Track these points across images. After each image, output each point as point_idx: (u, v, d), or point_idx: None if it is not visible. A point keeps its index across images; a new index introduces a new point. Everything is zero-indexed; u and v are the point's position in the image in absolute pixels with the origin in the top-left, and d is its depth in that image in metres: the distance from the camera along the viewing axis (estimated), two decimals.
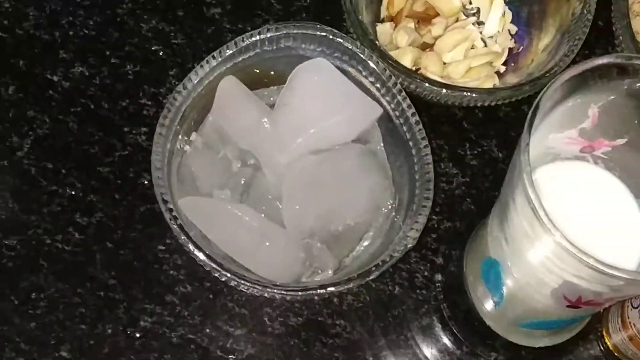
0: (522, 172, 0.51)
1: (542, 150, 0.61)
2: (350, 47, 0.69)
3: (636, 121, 0.59)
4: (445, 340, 0.74)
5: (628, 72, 0.56)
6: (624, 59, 0.55)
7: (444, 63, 0.77)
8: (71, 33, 0.80)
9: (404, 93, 0.69)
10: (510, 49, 0.80)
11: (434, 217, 0.76)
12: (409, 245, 0.65)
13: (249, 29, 0.79)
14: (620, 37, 0.76)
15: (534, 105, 0.52)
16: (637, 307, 0.68)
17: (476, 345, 0.73)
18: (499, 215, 0.61)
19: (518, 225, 0.57)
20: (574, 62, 0.73)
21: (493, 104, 0.72)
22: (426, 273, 0.75)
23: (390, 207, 0.70)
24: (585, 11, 0.74)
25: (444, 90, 0.70)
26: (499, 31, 0.80)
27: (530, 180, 0.51)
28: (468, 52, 0.78)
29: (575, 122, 0.60)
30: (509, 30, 0.80)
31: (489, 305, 0.70)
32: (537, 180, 0.60)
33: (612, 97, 0.57)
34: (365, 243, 0.70)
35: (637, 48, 0.74)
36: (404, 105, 0.68)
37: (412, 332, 0.74)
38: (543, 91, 0.53)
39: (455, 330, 0.74)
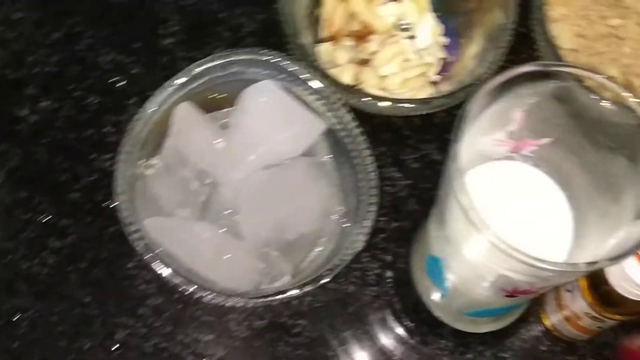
0: (454, 178, 0.51)
1: (473, 153, 0.61)
2: (293, 69, 0.68)
3: (558, 121, 0.59)
4: (398, 331, 0.74)
5: (548, 77, 0.56)
6: (542, 67, 0.55)
7: (382, 76, 0.77)
8: (36, 70, 0.79)
9: (345, 108, 0.68)
10: (442, 59, 0.80)
11: (381, 218, 0.76)
12: (358, 249, 0.65)
13: (201, 56, 0.79)
14: (540, 43, 0.76)
15: (461, 115, 0.52)
16: (570, 291, 0.68)
17: (426, 334, 0.73)
18: (438, 216, 0.61)
19: (454, 226, 0.57)
20: (502, 66, 0.74)
21: (429, 112, 0.72)
22: (377, 271, 0.75)
23: (339, 213, 0.70)
24: (507, 21, 0.74)
25: (383, 103, 0.70)
26: (430, 43, 0.80)
27: (462, 186, 0.51)
28: (403, 64, 0.78)
29: (503, 125, 0.60)
30: (439, 42, 0.80)
31: (435, 297, 0.70)
32: (470, 182, 0.60)
33: (534, 100, 0.57)
34: (319, 248, 0.70)
35: (555, 52, 0.74)
36: (346, 119, 0.68)
37: (368, 326, 0.74)
38: (468, 101, 0.53)
39: (406, 322, 0.74)
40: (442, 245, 0.61)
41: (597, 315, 0.66)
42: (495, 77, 0.54)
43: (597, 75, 0.54)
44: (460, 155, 0.52)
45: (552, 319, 0.72)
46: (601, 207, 0.58)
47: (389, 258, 0.75)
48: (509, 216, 0.60)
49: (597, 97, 0.56)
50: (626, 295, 0.60)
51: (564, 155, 0.61)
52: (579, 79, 0.56)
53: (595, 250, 0.56)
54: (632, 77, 0.76)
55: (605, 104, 0.55)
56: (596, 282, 0.64)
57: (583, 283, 0.66)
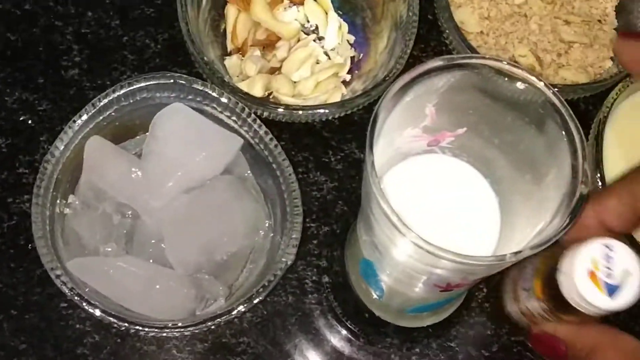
0: (372, 185, 0.50)
1: (391, 153, 0.60)
2: (202, 88, 0.67)
3: (472, 108, 0.58)
4: (343, 335, 0.73)
5: (455, 68, 0.55)
6: (446, 61, 0.54)
7: (294, 82, 0.76)
8: None
9: (258, 121, 0.67)
10: (352, 58, 0.79)
11: (312, 224, 0.75)
12: (289, 262, 0.64)
13: (109, 83, 0.77)
14: (446, 29, 0.76)
15: (371, 120, 0.51)
16: (527, 290, 0.67)
17: (371, 334, 0.73)
18: (364, 222, 0.60)
19: (380, 231, 0.56)
20: (412, 56, 0.73)
21: (347, 113, 0.72)
22: (314, 277, 0.74)
23: (267, 227, 0.69)
24: (410, 13, 0.73)
25: (298, 112, 0.69)
26: (339, 43, 0.79)
27: (380, 192, 0.50)
28: (314, 67, 0.77)
29: (417, 122, 0.59)
30: (347, 40, 0.79)
31: (373, 298, 0.69)
32: (390, 183, 0.60)
33: (445, 92, 0.57)
34: (251, 265, 0.69)
35: (462, 37, 0.74)
36: (261, 132, 0.67)
37: (312, 334, 0.73)
38: (377, 105, 0.52)
39: (350, 325, 0.73)
40: (371, 249, 0.60)
41: (550, 318, 0.65)
42: (399, 79, 0.53)
43: (500, 63, 0.53)
44: (375, 162, 0.51)
45: (509, 307, 0.71)
46: (524, 190, 0.58)
47: (324, 263, 0.74)
48: (434, 212, 0.59)
49: (507, 79, 0.56)
50: (578, 308, 0.59)
51: (482, 142, 0.60)
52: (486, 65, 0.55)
53: (523, 238, 0.55)
54: (542, 53, 0.76)
55: (514, 85, 0.55)
56: (550, 288, 0.63)
57: (537, 286, 0.65)
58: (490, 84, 0.56)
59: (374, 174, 0.50)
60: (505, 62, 0.53)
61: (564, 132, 0.53)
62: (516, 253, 0.49)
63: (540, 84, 0.53)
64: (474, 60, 0.54)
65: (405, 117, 0.58)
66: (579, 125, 0.52)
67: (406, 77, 0.54)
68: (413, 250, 0.52)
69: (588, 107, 0.79)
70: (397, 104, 0.55)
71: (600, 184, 0.69)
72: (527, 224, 0.57)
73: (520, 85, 0.54)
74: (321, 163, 0.78)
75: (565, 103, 0.52)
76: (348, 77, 0.78)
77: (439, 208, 0.60)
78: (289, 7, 0.78)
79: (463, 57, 0.54)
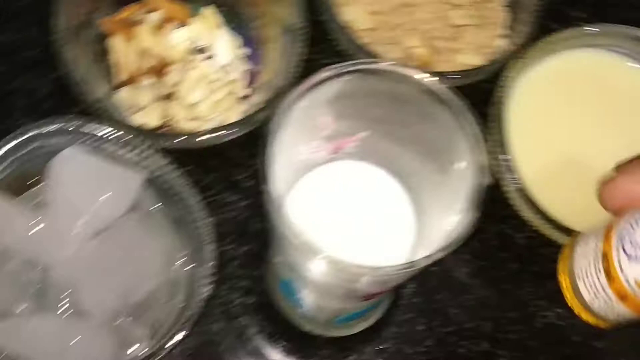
0: (272, 212, 0.49)
1: (294, 167, 0.59)
2: (95, 127, 0.65)
3: (368, 113, 0.58)
4: (277, 354, 0.72)
5: (343, 76, 0.54)
6: (333, 70, 0.54)
7: (191, 105, 0.74)
8: None
9: (158, 153, 0.65)
10: (247, 71, 0.77)
11: (230, 246, 0.74)
12: (207, 294, 0.62)
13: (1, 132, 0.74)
14: (335, 31, 0.74)
15: (263, 149, 0.50)
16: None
17: (305, 349, 0.72)
18: (275, 244, 0.59)
19: (291, 252, 0.55)
20: (309, 60, 0.72)
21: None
22: (239, 300, 0.72)
23: (184, 259, 0.67)
24: (297, 17, 0.72)
25: (198, 138, 0.68)
26: (231, 58, 0.77)
27: (282, 217, 0.49)
28: (209, 87, 0.75)
29: (315, 133, 0.58)
30: (240, 55, 0.78)
31: (299, 314, 0.68)
32: (297, 198, 0.59)
33: (337, 100, 0.56)
34: (173, 300, 0.67)
35: (350, 37, 0.73)
36: (162, 163, 0.65)
37: (245, 357, 0.71)
38: (266, 131, 0.51)
39: (282, 343, 0.72)
40: (287, 269, 0.59)
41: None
42: (288, 95, 0.52)
43: (380, 64, 0.53)
44: (279, 180, 0.50)
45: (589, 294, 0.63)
46: (434, 182, 0.58)
47: (247, 284, 0.73)
48: (347, 222, 0.59)
49: (395, 79, 0.55)
50: None
51: (386, 141, 0.59)
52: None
53: (439, 237, 0.55)
54: (435, 41, 0.76)
55: (403, 83, 0.54)
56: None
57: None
58: (381, 84, 0.55)
59: (274, 203, 0.49)
60: (387, 63, 0.53)
61: (459, 125, 0.53)
62: (427, 257, 0.49)
63: (429, 80, 0.53)
64: (359, 67, 0.54)
65: (302, 132, 0.57)
66: (472, 117, 0.52)
67: (293, 94, 0.53)
68: (327, 268, 0.51)
69: (492, 85, 0.79)
70: (288, 121, 0.54)
71: (507, 165, 0.68)
72: (441, 221, 0.56)
73: (408, 82, 0.54)
74: (231, 183, 0.76)
75: (456, 97, 0.52)
76: (247, 92, 0.76)
77: (351, 216, 0.59)
78: (176, 28, 0.76)
79: (347, 65, 0.53)
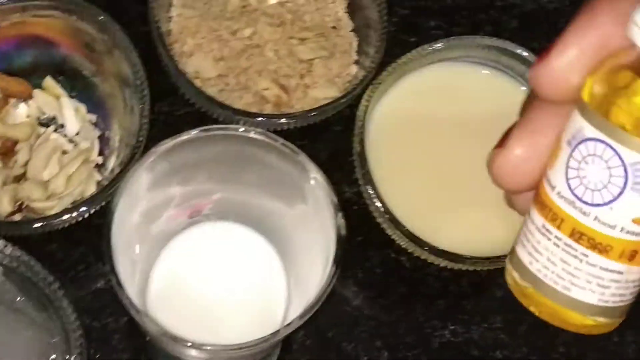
0: (130, 310, 0.47)
1: (152, 242, 0.57)
2: None
3: (217, 175, 0.57)
4: None
5: (183, 144, 0.53)
6: (170, 143, 0.52)
7: (44, 183, 0.71)
8: None
9: (9, 245, 0.62)
10: (100, 137, 0.74)
11: (109, 319, 0.70)
12: None
13: None
14: (181, 86, 0.72)
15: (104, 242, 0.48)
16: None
17: None
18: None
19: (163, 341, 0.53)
20: (162, 112, 0.70)
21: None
22: None
23: (58, 349, 0.64)
24: (132, 68, 0.69)
25: (54, 221, 0.65)
26: (81, 126, 0.74)
27: (144, 320, 0.47)
28: (61, 161, 0.72)
29: (167, 204, 0.56)
30: (90, 121, 0.75)
31: None
32: (160, 274, 0.57)
33: (184, 168, 0.55)
34: None
35: (197, 90, 0.70)
36: (17, 254, 0.62)
37: None
38: (105, 224, 0.49)
39: None
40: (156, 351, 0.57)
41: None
42: (125, 176, 0.50)
43: (214, 129, 0.53)
44: (124, 283, 0.48)
45: None
46: (295, 231, 0.57)
47: (130, 356, 0.70)
48: (215, 291, 0.57)
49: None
50: None
51: (240, 197, 0.59)
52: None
53: (312, 288, 0.53)
54: (285, 80, 0.74)
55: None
56: None
57: None
58: (221, 145, 0.55)
59: (130, 309, 0.47)
60: (218, 127, 0.54)
61: (304, 175, 0.52)
62: (286, 326, 0.47)
63: (266, 136, 0.52)
64: (194, 135, 0.52)
65: (152, 205, 0.55)
66: (313, 166, 0.51)
67: (131, 175, 0.51)
68: (197, 352, 0.49)
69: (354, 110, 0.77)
70: (132, 200, 0.52)
71: (375, 200, 0.67)
72: (310, 269, 0.55)
73: (247, 141, 0.53)
74: (101, 252, 0.73)
75: (291, 150, 0.51)
76: (100, 160, 0.73)
77: (218, 284, 0.57)
78: (16, 105, 0.73)
79: (180, 135, 0.52)
